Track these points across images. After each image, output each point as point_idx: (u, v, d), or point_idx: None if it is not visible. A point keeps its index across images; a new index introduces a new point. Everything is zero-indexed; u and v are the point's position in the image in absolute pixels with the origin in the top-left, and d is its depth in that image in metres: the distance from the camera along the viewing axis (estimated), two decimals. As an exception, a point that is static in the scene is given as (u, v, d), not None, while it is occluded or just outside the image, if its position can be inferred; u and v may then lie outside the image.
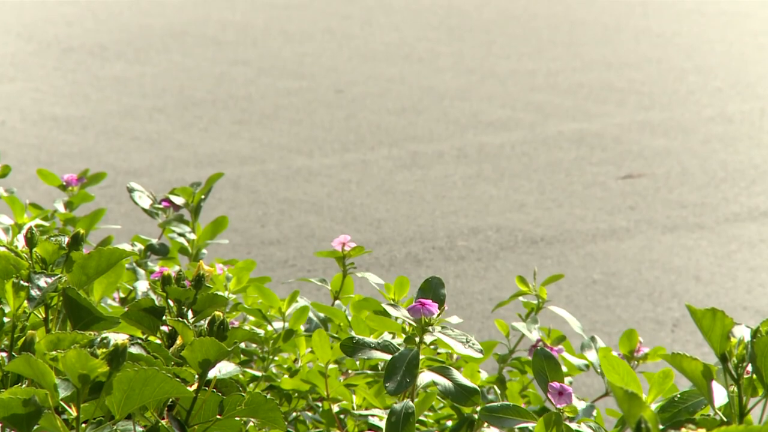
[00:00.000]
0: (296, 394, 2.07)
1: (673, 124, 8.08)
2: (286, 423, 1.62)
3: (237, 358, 2.16)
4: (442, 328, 1.61)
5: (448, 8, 12.17)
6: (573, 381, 2.18)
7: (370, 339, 1.62)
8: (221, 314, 1.46)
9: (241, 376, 2.07)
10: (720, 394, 1.41)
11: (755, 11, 12.12)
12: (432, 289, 1.66)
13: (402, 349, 1.59)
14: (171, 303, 1.57)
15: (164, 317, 1.55)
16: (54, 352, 1.30)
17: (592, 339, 2.17)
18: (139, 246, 2.45)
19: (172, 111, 8.33)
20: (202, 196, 2.46)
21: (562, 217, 6.31)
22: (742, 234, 6.09)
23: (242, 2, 12.30)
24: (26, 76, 9.25)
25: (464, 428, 1.82)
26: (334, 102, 8.60)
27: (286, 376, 2.10)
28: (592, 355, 2.15)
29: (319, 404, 2.06)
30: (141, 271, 2.37)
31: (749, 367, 1.39)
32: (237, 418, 1.43)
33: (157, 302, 1.56)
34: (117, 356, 1.28)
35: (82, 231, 1.56)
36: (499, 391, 2.08)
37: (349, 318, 2.10)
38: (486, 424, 1.73)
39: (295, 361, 2.16)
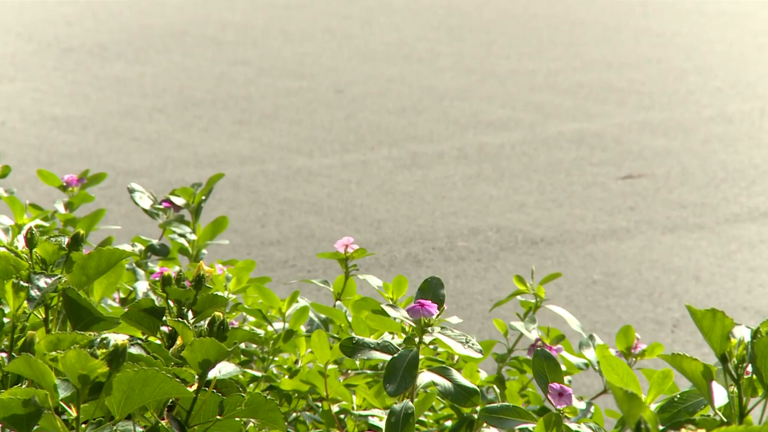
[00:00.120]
0: (296, 395, 2.07)
1: (673, 124, 8.08)
2: (286, 423, 1.62)
3: (237, 358, 2.16)
4: (442, 328, 1.61)
5: (448, 8, 12.17)
6: (572, 380, 2.18)
7: (370, 339, 1.62)
8: (221, 315, 1.46)
9: (241, 376, 2.07)
10: (720, 395, 1.41)
11: (755, 11, 12.12)
12: (431, 290, 1.66)
13: (401, 349, 1.59)
14: (171, 303, 1.57)
15: (164, 318, 1.55)
16: (54, 353, 1.31)
17: (591, 337, 2.17)
18: (140, 246, 2.46)
19: (172, 111, 8.33)
20: (203, 197, 2.47)
21: (562, 217, 6.31)
22: (742, 234, 6.09)
23: (242, 2, 12.31)
24: (26, 76, 9.26)
25: (464, 428, 1.82)
26: (334, 102, 8.60)
27: (286, 376, 2.10)
28: (590, 354, 2.15)
29: (319, 405, 2.07)
30: (141, 272, 2.37)
31: (749, 368, 1.39)
32: (237, 419, 1.43)
33: (157, 303, 1.57)
34: (117, 357, 1.29)
35: (82, 231, 1.56)
36: (498, 391, 2.08)
37: (350, 319, 2.10)
38: (485, 425, 1.73)
39: (296, 361, 2.16)
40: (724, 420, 1.41)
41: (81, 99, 8.62)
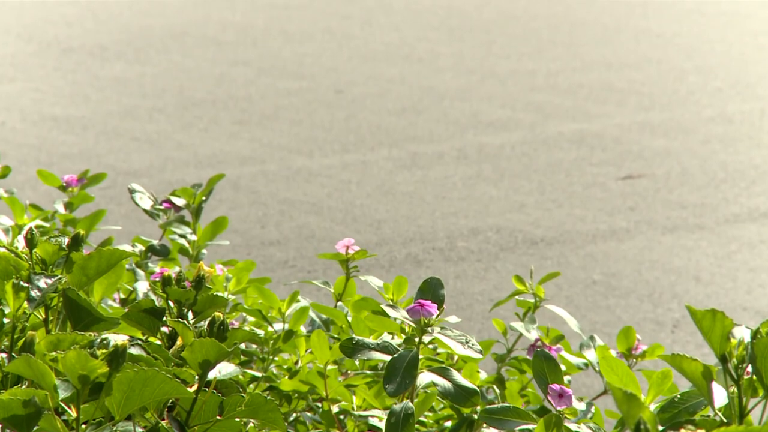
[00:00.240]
0: (296, 395, 2.07)
1: (673, 125, 8.08)
2: (285, 424, 1.62)
3: (237, 358, 2.16)
4: (441, 328, 1.61)
5: (449, 8, 12.17)
6: (572, 380, 2.18)
7: (370, 340, 1.62)
8: (221, 315, 1.46)
9: (241, 376, 2.07)
10: (720, 395, 1.41)
11: (755, 11, 12.12)
12: (431, 290, 1.66)
13: (401, 350, 1.59)
14: (171, 304, 1.57)
15: (164, 318, 1.55)
16: (54, 353, 1.31)
17: (591, 338, 2.17)
18: (140, 247, 2.46)
19: (172, 111, 8.33)
20: (203, 198, 2.47)
21: (562, 217, 6.31)
22: (742, 235, 6.09)
23: (242, 2, 12.31)
24: (26, 77, 9.26)
25: (464, 429, 1.82)
26: (334, 102, 8.60)
27: (286, 377, 2.10)
28: (590, 355, 2.15)
29: (319, 405, 2.07)
30: (141, 272, 2.37)
31: (749, 368, 1.39)
32: (237, 419, 1.43)
33: (157, 303, 1.57)
34: (117, 357, 1.29)
35: (82, 232, 1.56)
36: (498, 391, 2.08)
37: (350, 319, 2.10)
38: (485, 425, 1.73)
39: (296, 362, 2.16)
40: (724, 420, 1.41)
41: (81, 99, 8.62)
